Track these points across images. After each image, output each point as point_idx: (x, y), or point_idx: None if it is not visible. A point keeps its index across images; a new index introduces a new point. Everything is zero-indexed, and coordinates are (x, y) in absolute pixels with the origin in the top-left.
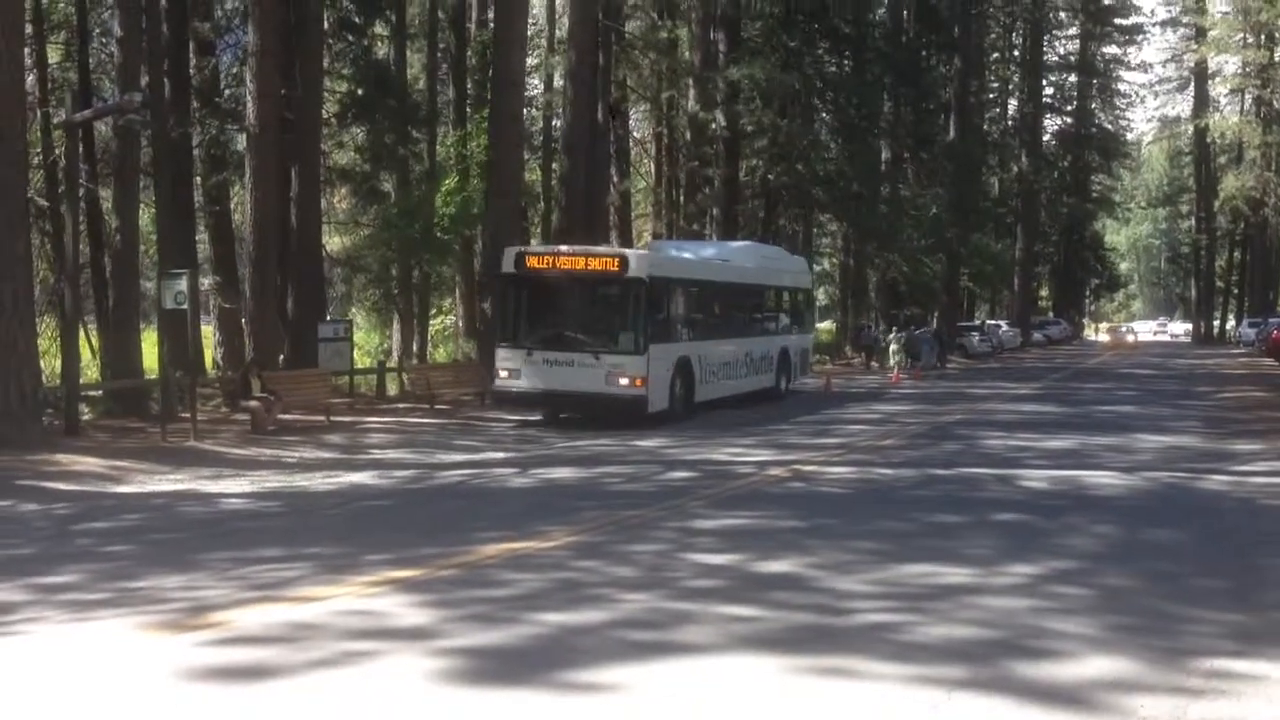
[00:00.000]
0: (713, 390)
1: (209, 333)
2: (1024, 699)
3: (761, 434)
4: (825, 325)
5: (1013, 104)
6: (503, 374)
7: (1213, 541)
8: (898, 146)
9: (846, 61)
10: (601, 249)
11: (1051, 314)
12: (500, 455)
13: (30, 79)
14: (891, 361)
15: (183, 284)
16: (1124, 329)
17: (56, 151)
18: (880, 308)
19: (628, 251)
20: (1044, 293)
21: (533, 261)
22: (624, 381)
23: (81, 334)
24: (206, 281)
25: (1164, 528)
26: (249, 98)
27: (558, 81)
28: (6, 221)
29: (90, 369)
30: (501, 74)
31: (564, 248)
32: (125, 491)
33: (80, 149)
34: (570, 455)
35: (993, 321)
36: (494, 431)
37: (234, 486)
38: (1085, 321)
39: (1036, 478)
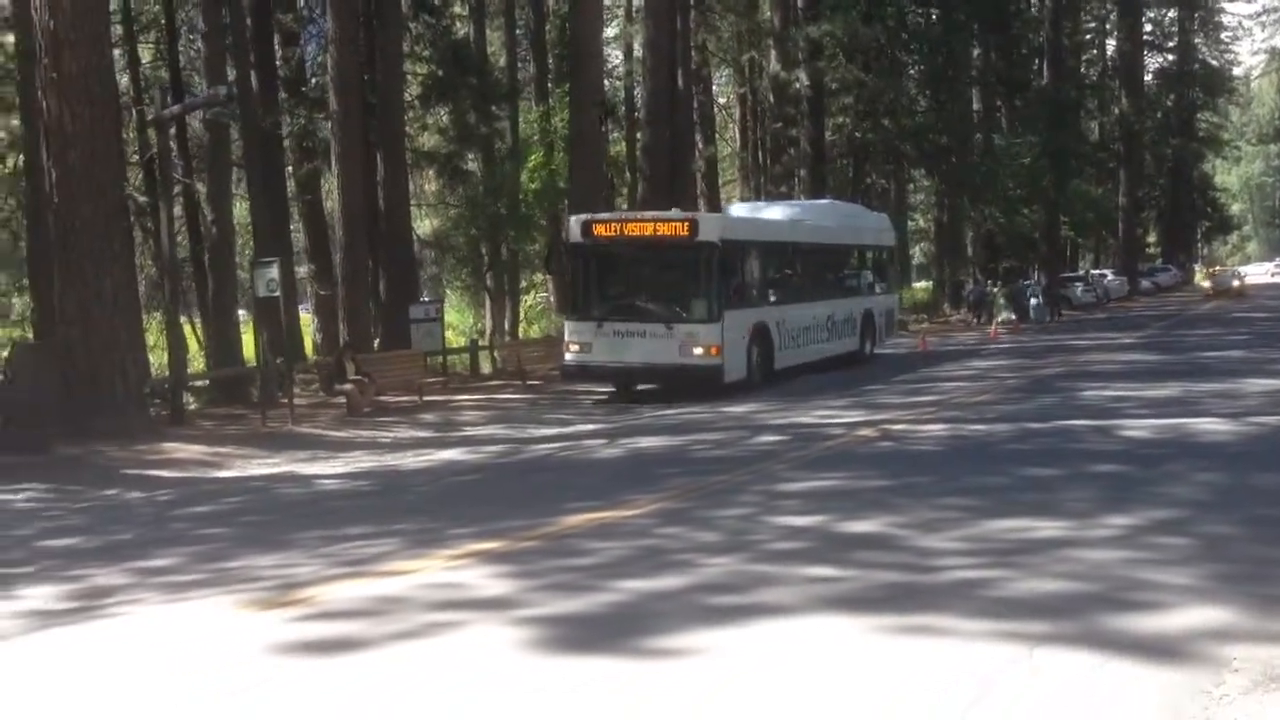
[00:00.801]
0: (793, 357)
1: (307, 319)
2: (1109, 651)
3: (852, 395)
4: (922, 284)
5: (1111, 44)
6: (574, 348)
7: None
8: (989, 95)
9: (933, 10)
10: (671, 213)
11: (1160, 260)
12: (590, 427)
13: (125, 79)
14: (999, 316)
15: (274, 272)
16: (1229, 272)
17: (153, 149)
18: (978, 262)
19: (698, 215)
20: (1151, 239)
21: (600, 230)
22: (698, 351)
23: (189, 326)
24: (303, 269)
25: (1271, 472)
26: (330, 85)
27: (637, 51)
28: (104, 220)
29: (198, 360)
30: (580, 46)
31: (632, 214)
32: (225, 476)
33: (174, 145)
34: (658, 424)
35: (1097, 271)
36: (584, 404)
37: (329, 468)
38: (1197, 266)
39: (1137, 427)
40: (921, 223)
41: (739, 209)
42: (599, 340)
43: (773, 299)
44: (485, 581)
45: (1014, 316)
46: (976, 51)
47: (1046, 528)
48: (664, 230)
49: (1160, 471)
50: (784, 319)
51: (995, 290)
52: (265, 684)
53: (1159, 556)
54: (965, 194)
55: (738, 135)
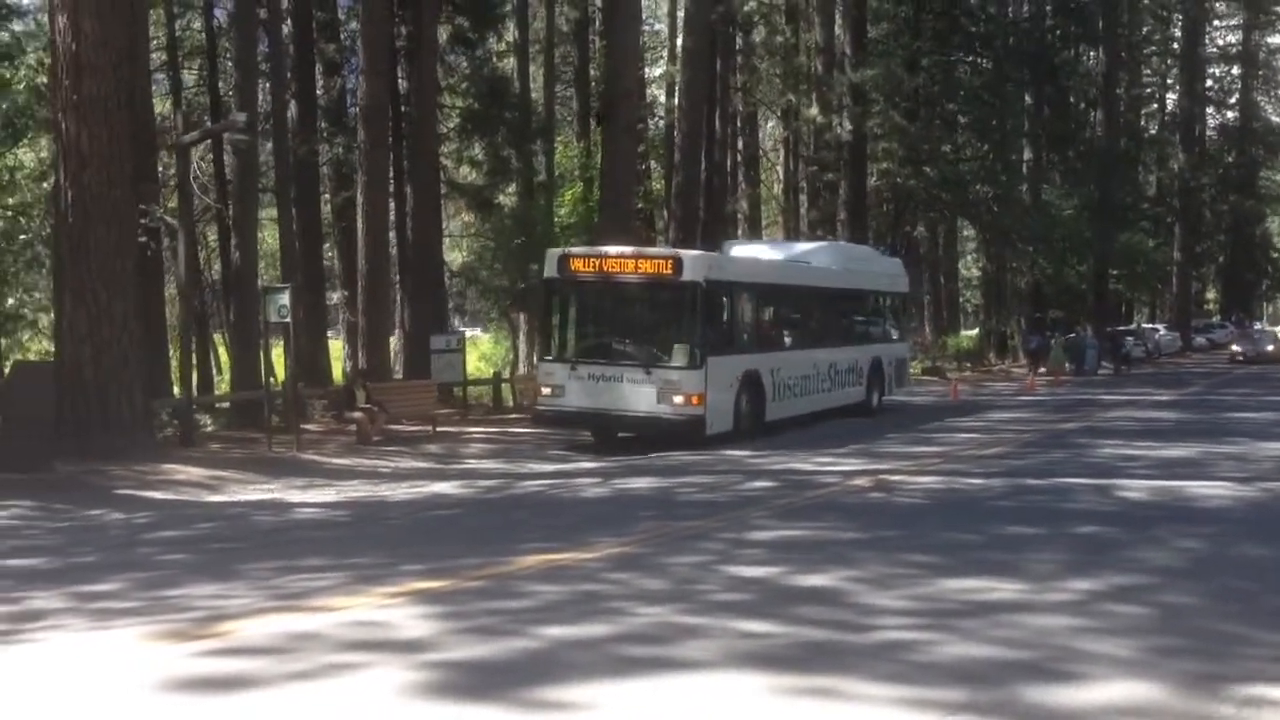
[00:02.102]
0: (788, 407)
1: (338, 346)
2: None
3: (859, 444)
4: (969, 332)
5: (1171, 99)
6: (546, 390)
7: None
8: (1038, 146)
9: (982, 60)
10: (654, 250)
11: (1219, 317)
12: (589, 465)
13: (167, 104)
14: (1063, 363)
15: (285, 298)
16: (1259, 333)
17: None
18: (1026, 312)
19: (682, 253)
20: (1211, 295)
21: (577, 265)
22: (678, 400)
23: (224, 349)
24: (335, 296)
25: (1258, 542)
26: (360, 115)
27: None
28: (117, 241)
29: (226, 382)
30: (615, 84)
31: (612, 248)
32: (212, 500)
33: (197, 169)
34: (658, 465)
35: (1150, 325)
36: (593, 440)
37: (318, 496)
38: (1258, 324)
39: (1136, 488)
40: (969, 271)
41: (734, 249)
42: (572, 383)
43: (767, 345)
44: (409, 621)
45: (1069, 365)
46: (1028, 102)
47: (1001, 589)
48: (646, 268)
49: (1143, 535)
50: (779, 366)
51: (1056, 340)
52: None
53: (1106, 625)
54: (1007, 243)
55: (781, 178)
